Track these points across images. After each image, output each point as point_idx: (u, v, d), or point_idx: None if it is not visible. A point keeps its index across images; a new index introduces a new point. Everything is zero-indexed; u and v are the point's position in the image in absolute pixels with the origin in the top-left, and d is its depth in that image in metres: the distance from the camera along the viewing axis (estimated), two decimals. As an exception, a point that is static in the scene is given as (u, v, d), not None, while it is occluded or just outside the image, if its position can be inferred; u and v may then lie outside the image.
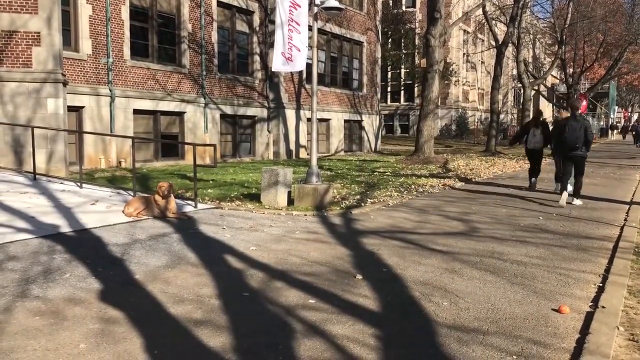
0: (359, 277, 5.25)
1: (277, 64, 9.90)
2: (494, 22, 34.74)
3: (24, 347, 3.52)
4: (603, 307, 4.37)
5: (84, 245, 6.23)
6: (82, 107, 14.94)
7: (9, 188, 9.59)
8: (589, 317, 4.20)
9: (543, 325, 4.07)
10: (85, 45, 15.00)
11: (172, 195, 8.01)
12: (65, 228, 6.97)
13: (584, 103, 37.68)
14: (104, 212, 8.09)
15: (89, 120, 15.11)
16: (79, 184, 10.33)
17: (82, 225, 7.16)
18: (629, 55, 41.98)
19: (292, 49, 9.68)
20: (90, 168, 14.57)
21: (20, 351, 3.47)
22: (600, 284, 5.09)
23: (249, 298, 4.62)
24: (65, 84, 12.33)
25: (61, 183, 10.62)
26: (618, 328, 3.97)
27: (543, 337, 3.83)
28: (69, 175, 11.94)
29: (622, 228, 7.90)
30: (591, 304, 4.55)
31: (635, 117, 79.56)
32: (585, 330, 3.94)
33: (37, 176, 10.79)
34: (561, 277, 5.32)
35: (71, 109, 14.16)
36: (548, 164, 15.97)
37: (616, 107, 60.62)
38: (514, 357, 3.52)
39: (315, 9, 9.87)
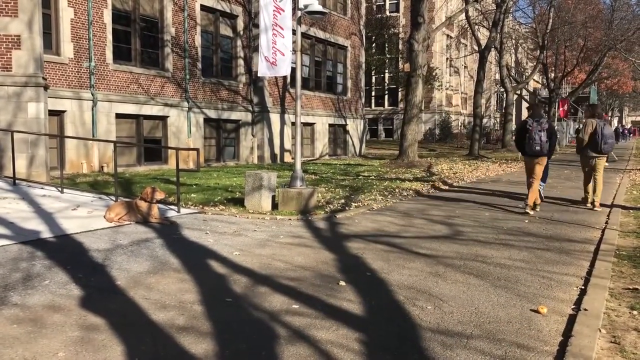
0: (343, 281, 5.23)
1: (262, 69, 9.88)
2: (476, 27, 35.07)
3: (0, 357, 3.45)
4: (585, 309, 4.40)
5: (65, 251, 6.14)
6: (64, 111, 14.77)
7: (-12, 193, 9.43)
8: (571, 320, 4.22)
9: (526, 328, 4.09)
10: (67, 49, 14.83)
11: (154, 200, 7.92)
12: (46, 234, 6.87)
13: (564, 107, 38.21)
14: (86, 218, 7.99)
15: (71, 125, 14.93)
16: (60, 189, 10.20)
17: (63, 231, 7.06)
18: (608, 61, 42.58)
19: (277, 54, 9.67)
20: (72, 173, 14.40)
21: (-2, 360, 3.40)
22: (583, 287, 5.13)
23: (233, 303, 4.58)
24: (46, 87, 12.17)
25: (42, 188, 10.47)
26: (600, 330, 4.00)
27: (526, 340, 3.85)
28: (50, 180, 11.78)
29: (603, 231, 7.99)
30: (574, 306, 4.58)
31: (615, 120, 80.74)
32: (568, 333, 3.96)
33: (17, 181, 10.63)
34: (544, 280, 5.36)
35: (52, 113, 13.99)
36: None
37: (597, 111, 61.45)
38: (497, 360, 3.53)
39: (299, 13, 9.87)
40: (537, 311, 4.42)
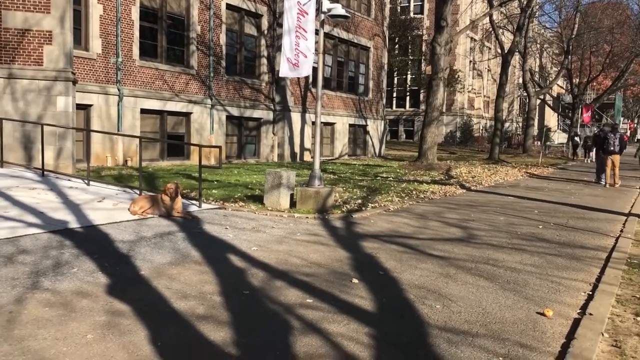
0: (356, 279, 5.42)
1: (284, 69, 10.11)
2: (500, 30, 34.88)
3: (34, 336, 3.71)
4: (590, 314, 4.53)
5: (92, 241, 6.43)
6: (91, 105, 15.18)
7: (19, 183, 9.81)
8: (576, 324, 4.36)
9: (531, 329, 4.24)
10: (96, 45, 15.24)
11: (179, 195, 8.20)
12: (74, 224, 7.18)
13: (589, 113, 37.81)
14: (111, 210, 8.30)
15: (97, 119, 15.34)
16: (86, 181, 10.54)
17: (90, 222, 7.36)
18: (635, 67, 42.02)
19: (299, 55, 9.88)
20: (97, 166, 14.80)
21: (31, 339, 3.66)
22: (590, 292, 5.25)
23: (250, 296, 4.80)
24: (75, 82, 12.55)
25: (69, 180, 10.83)
26: (603, 334, 4.14)
27: (530, 341, 4.00)
28: (76, 172, 12.16)
29: (617, 239, 8.05)
30: (579, 311, 4.71)
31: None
32: (571, 335, 4.10)
33: (45, 172, 11.01)
34: (552, 285, 5.49)
35: (80, 107, 14.40)
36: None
37: (622, 118, 60.63)
38: (500, 358, 3.69)
39: (322, 16, 10.06)
40: (543, 314, 4.56)
